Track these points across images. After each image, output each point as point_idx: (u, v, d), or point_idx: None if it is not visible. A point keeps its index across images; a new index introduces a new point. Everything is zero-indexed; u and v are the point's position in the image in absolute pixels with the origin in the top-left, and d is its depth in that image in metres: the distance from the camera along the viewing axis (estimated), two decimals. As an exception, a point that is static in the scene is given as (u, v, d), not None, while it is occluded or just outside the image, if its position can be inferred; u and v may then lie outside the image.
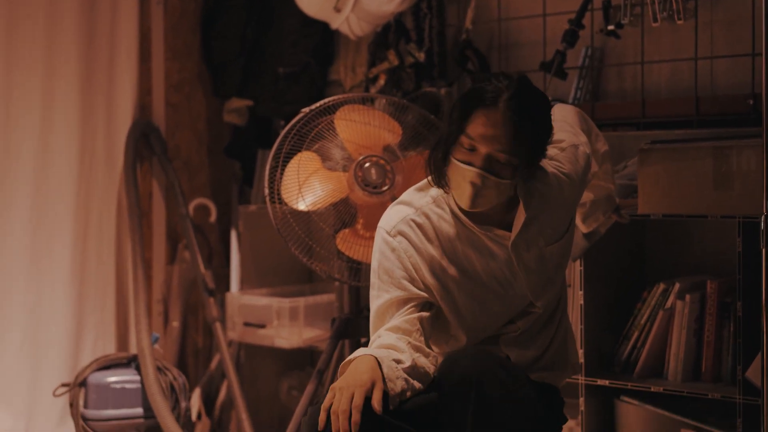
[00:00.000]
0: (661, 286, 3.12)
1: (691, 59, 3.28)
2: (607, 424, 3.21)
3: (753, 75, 3.14)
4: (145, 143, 4.05)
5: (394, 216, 2.44)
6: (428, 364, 2.36)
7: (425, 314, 2.41)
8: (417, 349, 2.35)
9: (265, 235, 4.06)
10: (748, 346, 2.88)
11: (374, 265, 2.45)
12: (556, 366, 2.55)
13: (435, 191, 2.45)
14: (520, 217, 2.41)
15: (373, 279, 2.45)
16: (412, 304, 2.40)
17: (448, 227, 2.43)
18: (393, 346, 2.32)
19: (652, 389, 3.05)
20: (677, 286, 3.08)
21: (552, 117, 2.43)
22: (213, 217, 4.22)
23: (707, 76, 3.26)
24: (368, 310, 2.48)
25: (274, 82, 4.04)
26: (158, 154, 4.05)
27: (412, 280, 2.40)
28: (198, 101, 4.25)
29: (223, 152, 4.29)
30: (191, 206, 4.13)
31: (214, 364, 4.09)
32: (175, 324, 4.07)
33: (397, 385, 2.28)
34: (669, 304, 3.09)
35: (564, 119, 2.67)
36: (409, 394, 2.30)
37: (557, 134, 2.51)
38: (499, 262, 2.43)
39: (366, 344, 3.52)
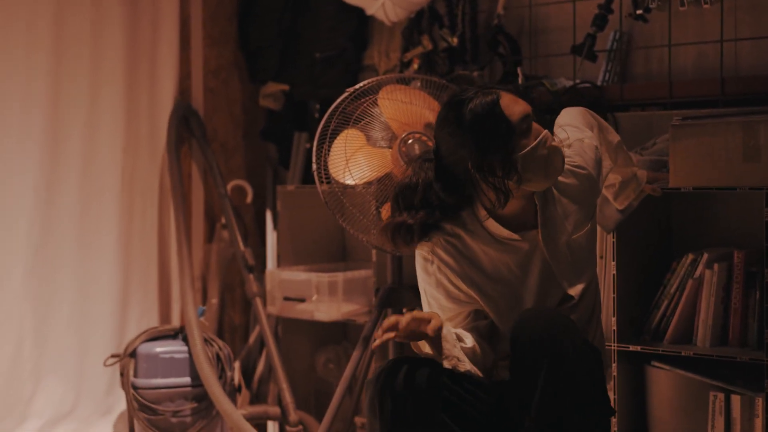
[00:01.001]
0: (690, 257, 3.28)
1: (716, 42, 3.43)
2: (638, 390, 3.37)
3: (777, 56, 3.30)
4: (185, 126, 4.20)
5: (426, 242, 2.58)
6: (488, 356, 2.53)
7: (480, 323, 2.57)
8: (480, 343, 2.53)
9: (302, 214, 4.22)
10: (774, 311, 3.05)
11: (420, 285, 2.63)
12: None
13: (459, 217, 2.59)
14: (540, 213, 2.59)
15: (423, 298, 2.64)
16: (462, 317, 2.57)
17: (479, 241, 2.57)
18: (458, 332, 2.50)
19: (683, 354, 3.21)
20: (705, 256, 3.24)
21: (558, 120, 2.66)
22: (249, 198, 4.38)
23: (732, 58, 3.42)
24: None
25: (311, 66, 4.19)
26: (197, 137, 4.20)
27: (455, 298, 2.56)
28: (234, 86, 4.41)
29: (259, 135, 4.45)
30: (228, 187, 4.28)
31: (252, 338, 4.25)
32: (214, 301, 4.22)
33: (453, 353, 2.45)
34: (698, 273, 3.24)
35: (568, 122, 2.84)
36: (464, 368, 2.47)
37: (562, 134, 2.68)
38: (527, 261, 2.58)
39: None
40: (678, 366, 3.26)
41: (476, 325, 2.58)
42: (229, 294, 4.37)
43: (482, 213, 2.58)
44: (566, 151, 2.64)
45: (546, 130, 2.49)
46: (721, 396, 3.16)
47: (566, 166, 2.61)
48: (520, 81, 3.67)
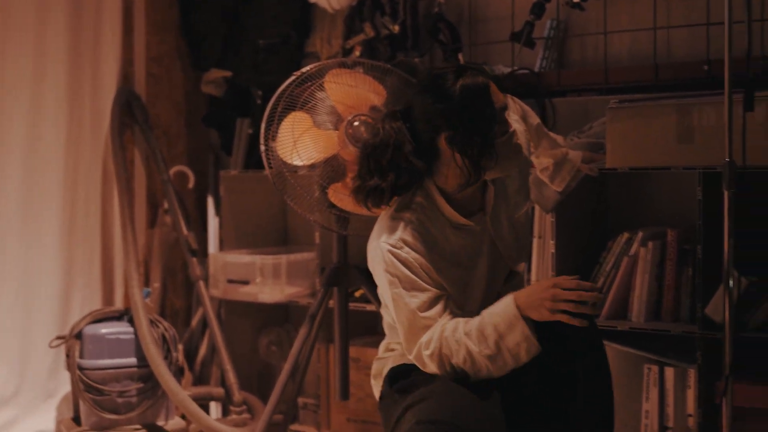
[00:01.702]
0: (626, 235, 3.40)
1: (650, 29, 3.56)
2: (575, 364, 3.48)
3: (708, 43, 3.42)
4: (127, 112, 4.23)
5: (392, 230, 2.59)
6: None
7: (451, 305, 2.61)
8: None
9: (245, 198, 4.28)
10: (706, 286, 3.17)
11: (387, 279, 2.55)
12: None
13: (412, 203, 2.64)
14: (491, 194, 2.68)
15: (395, 293, 2.55)
16: (441, 300, 2.58)
17: (438, 227, 2.63)
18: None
19: (618, 328, 3.33)
20: (640, 234, 3.37)
21: None
22: (191, 184, 4.42)
23: (665, 45, 3.55)
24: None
25: (254, 53, 4.25)
26: (140, 123, 4.23)
27: (429, 281, 2.57)
28: (176, 73, 4.45)
29: (201, 122, 4.49)
30: (170, 173, 4.31)
31: (195, 321, 4.29)
32: (156, 285, 4.25)
33: None
34: (633, 251, 3.37)
35: None
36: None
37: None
38: (478, 244, 2.66)
39: (353, 294, 3.76)
40: (614, 340, 3.38)
41: (450, 309, 2.60)
42: (171, 278, 4.40)
43: (438, 198, 2.65)
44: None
45: (513, 125, 2.60)
46: (655, 368, 3.29)
47: None
48: (461, 67, 3.76)
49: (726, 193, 2.80)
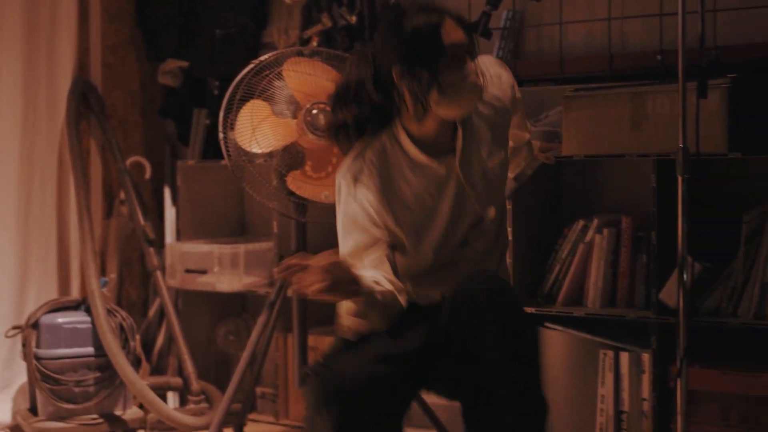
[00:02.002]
0: (581, 223, 3.44)
1: (605, 20, 3.61)
2: (532, 350, 3.52)
3: (661, 33, 3.47)
4: (83, 102, 4.21)
5: (351, 167, 2.66)
6: (402, 298, 2.62)
7: (391, 251, 2.65)
8: (392, 282, 2.61)
9: (202, 189, 4.28)
10: (660, 272, 3.23)
11: (339, 214, 2.68)
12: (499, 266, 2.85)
13: (376, 143, 2.68)
14: (459, 136, 2.70)
15: (340, 227, 2.67)
16: (379, 244, 2.62)
17: (399, 167, 2.66)
18: (373, 277, 2.57)
19: (575, 314, 3.37)
20: (596, 221, 3.41)
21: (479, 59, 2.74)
22: (148, 174, 4.41)
23: (619, 35, 3.60)
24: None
25: (210, 44, 4.25)
26: (96, 113, 4.22)
27: (374, 223, 2.62)
28: (132, 63, 4.44)
29: (158, 112, 4.49)
30: (127, 164, 4.30)
31: (152, 312, 4.29)
32: (113, 276, 4.24)
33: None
34: (588, 238, 3.41)
35: (488, 63, 2.94)
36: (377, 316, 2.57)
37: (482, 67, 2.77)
38: (442, 186, 2.69)
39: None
40: (570, 326, 3.42)
41: (389, 253, 2.65)
42: (127, 270, 4.39)
43: (402, 137, 2.68)
44: (485, 83, 2.73)
45: (473, 66, 2.62)
46: (610, 354, 3.33)
47: (485, 97, 2.72)
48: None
49: (680, 179, 2.85)
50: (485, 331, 2.48)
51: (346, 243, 2.65)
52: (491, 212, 2.73)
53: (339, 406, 2.47)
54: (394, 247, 2.69)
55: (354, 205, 2.64)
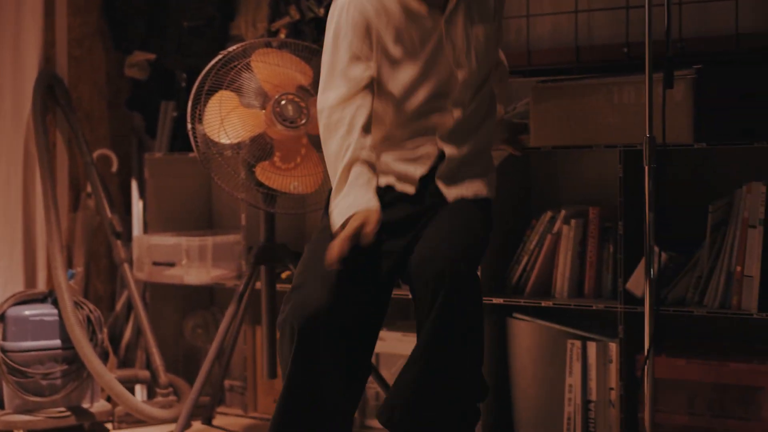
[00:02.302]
0: (549, 214, 3.46)
1: (571, 12, 3.63)
2: (501, 341, 3.54)
3: (627, 26, 3.50)
4: (49, 94, 4.19)
5: None
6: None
7: (373, 76, 2.75)
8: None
9: (169, 181, 4.27)
10: (627, 263, 3.25)
11: (332, 28, 2.77)
12: (487, 171, 2.94)
13: None
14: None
15: (330, 36, 2.77)
16: (364, 84, 2.73)
17: (391, 5, 2.75)
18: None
19: (543, 304, 3.39)
20: (563, 212, 3.43)
21: None
22: (114, 167, 4.39)
23: (586, 28, 3.62)
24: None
25: (178, 36, 4.24)
26: (62, 105, 4.19)
27: (362, 47, 2.73)
28: (98, 55, 4.42)
29: (124, 105, 4.47)
30: (93, 156, 4.28)
31: (119, 306, 4.27)
32: (79, 269, 4.22)
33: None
34: (556, 229, 3.43)
35: None
36: None
37: None
38: (429, 38, 2.77)
39: (279, 275, 3.76)
40: (538, 317, 3.44)
41: (371, 76, 2.74)
42: (94, 264, 4.37)
43: None
44: None
45: None
46: (578, 343, 3.36)
47: None
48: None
49: (646, 169, 2.88)
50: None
51: (340, 54, 2.72)
52: (462, 73, 2.80)
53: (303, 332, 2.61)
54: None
55: (348, 24, 2.73)
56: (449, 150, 2.83)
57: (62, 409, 3.66)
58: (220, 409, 4.02)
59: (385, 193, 2.79)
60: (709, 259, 3.16)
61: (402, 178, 2.82)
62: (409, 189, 2.82)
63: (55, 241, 3.86)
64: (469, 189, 2.87)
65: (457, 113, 2.82)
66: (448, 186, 2.84)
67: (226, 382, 4.06)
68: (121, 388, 3.64)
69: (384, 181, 2.81)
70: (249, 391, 3.96)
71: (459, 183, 2.85)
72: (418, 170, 2.82)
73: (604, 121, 3.25)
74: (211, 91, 3.38)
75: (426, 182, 2.83)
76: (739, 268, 3.10)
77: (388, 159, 2.82)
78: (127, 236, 4.26)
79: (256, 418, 3.93)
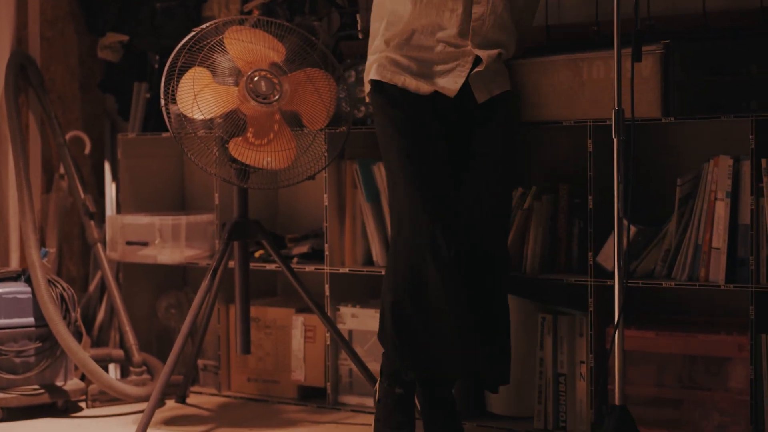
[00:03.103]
0: (520, 190, 3.50)
1: (542, -9, 3.67)
2: (472, 316, 3.58)
3: (597, 5, 3.53)
4: (22, 75, 4.18)
5: None
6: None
7: None
8: None
9: (143, 162, 4.28)
10: (597, 237, 3.29)
11: None
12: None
13: None
14: None
15: None
16: None
17: None
18: None
19: (514, 278, 3.43)
20: (533, 189, 3.47)
21: None
22: (87, 149, 4.39)
23: (556, 7, 3.65)
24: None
25: (151, 17, 4.25)
26: (35, 86, 4.19)
27: None
28: (71, 37, 4.42)
29: (97, 87, 4.47)
30: (66, 138, 4.28)
31: (92, 287, 4.27)
32: (52, 251, 4.22)
33: None
34: (527, 205, 3.47)
35: None
36: None
37: None
38: None
39: (252, 254, 3.78)
40: (509, 291, 3.47)
41: None
42: (67, 245, 4.37)
43: None
44: None
45: None
46: (549, 317, 3.40)
47: None
48: (359, 28, 3.83)
49: (615, 141, 2.92)
50: None
51: None
52: None
53: None
54: None
55: None
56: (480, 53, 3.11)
57: (36, 386, 3.67)
58: (193, 389, 4.03)
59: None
60: (677, 232, 3.21)
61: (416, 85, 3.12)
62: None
63: (28, 220, 3.87)
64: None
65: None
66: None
67: (200, 362, 4.07)
68: (94, 366, 3.64)
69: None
70: (223, 369, 3.98)
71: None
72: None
73: (573, 97, 3.29)
74: (184, 69, 3.39)
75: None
76: (706, 241, 3.14)
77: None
78: (100, 218, 4.27)
79: (229, 396, 3.95)
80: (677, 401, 3.20)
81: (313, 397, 3.83)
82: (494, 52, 3.15)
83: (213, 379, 4.05)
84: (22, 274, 3.78)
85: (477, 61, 3.14)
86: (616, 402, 2.95)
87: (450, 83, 3.14)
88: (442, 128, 3.14)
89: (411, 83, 3.14)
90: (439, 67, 3.15)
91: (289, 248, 3.88)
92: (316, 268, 3.74)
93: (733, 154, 3.12)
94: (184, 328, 3.48)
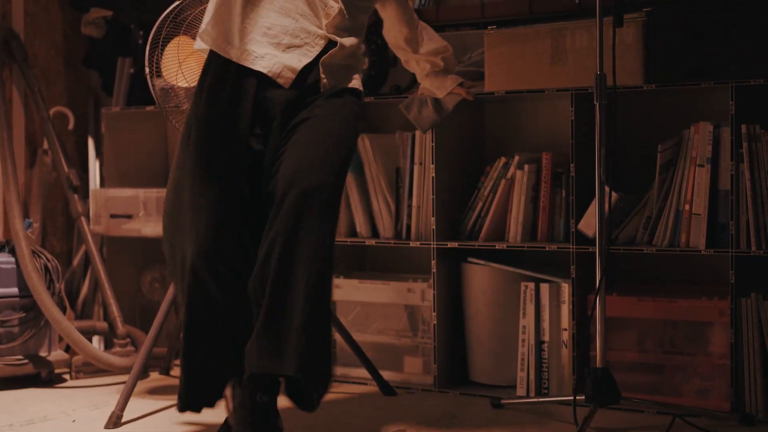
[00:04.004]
0: (503, 160, 3.52)
1: (525, -37, 3.70)
2: (456, 287, 3.60)
3: (579, -24, 3.57)
4: (5, 50, 4.18)
5: None
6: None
7: None
8: None
9: (127, 136, 4.28)
10: (579, 205, 3.32)
11: None
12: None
13: None
14: None
15: None
16: None
17: None
18: None
19: (497, 247, 3.45)
20: (516, 158, 3.49)
21: None
22: (71, 125, 4.39)
23: (536, -21, 3.69)
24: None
25: (135, -9, 4.26)
26: (18, 61, 4.19)
27: None
28: (54, 13, 4.42)
29: (81, 63, 4.47)
30: (50, 113, 4.28)
31: (76, 261, 4.28)
32: (36, 225, 4.22)
33: None
34: (510, 174, 3.49)
35: None
36: None
37: None
38: None
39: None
40: (492, 260, 3.50)
41: None
42: (50, 221, 4.37)
43: None
44: None
45: None
46: (531, 285, 3.42)
47: None
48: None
49: (597, 106, 2.94)
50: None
51: None
52: None
53: None
54: None
55: None
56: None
57: (20, 357, 3.67)
58: (177, 361, 4.03)
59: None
60: (659, 199, 3.24)
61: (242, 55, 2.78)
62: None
63: (12, 191, 3.87)
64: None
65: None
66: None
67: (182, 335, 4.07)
68: (79, 336, 3.65)
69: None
70: (206, 342, 3.98)
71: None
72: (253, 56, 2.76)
73: (556, 65, 3.31)
74: (168, 40, 3.40)
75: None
76: (687, 207, 3.17)
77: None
78: (84, 192, 4.27)
79: (213, 368, 3.95)
80: (659, 366, 3.23)
81: (297, 368, 3.84)
82: None
83: (197, 352, 4.05)
84: (6, 245, 3.78)
85: None
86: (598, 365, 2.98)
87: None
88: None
89: None
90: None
91: (273, 221, 3.89)
92: (300, 240, 3.75)
93: (714, 120, 3.15)
94: (168, 295, 3.49)
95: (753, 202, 3.07)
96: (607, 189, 2.98)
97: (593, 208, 3.21)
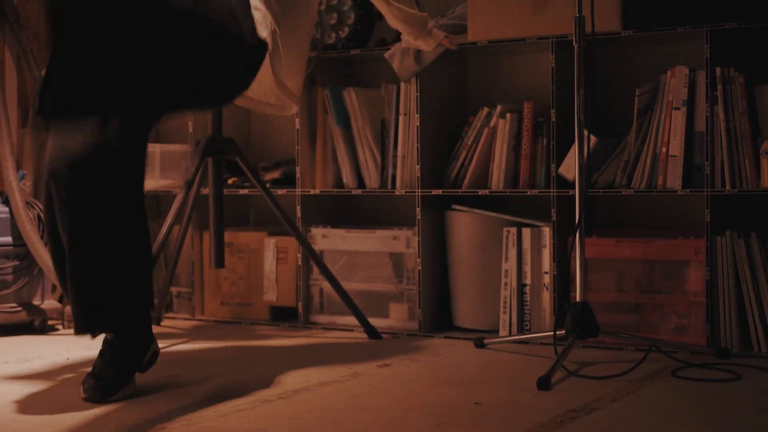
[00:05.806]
0: (486, 110, 3.61)
1: None
2: (440, 234, 3.69)
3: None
4: (-2, 10, 4.26)
5: None
6: None
7: None
8: None
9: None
10: (559, 151, 3.41)
11: None
12: None
13: None
14: None
15: None
16: None
17: None
18: None
19: (480, 193, 3.54)
20: (499, 107, 3.58)
21: None
22: (63, 86, 4.46)
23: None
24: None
25: (125, -47, 4.32)
26: (11, 22, 4.26)
27: None
28: (47, -24, 4.49)
29: (72, 24, 4.54)
30: (42, 74, 4.35)
31: (68, 217, 4.34)
32: (29, 183, 4.29)
33: None
34: (492, 123, 3.59)
35: None
36: None
37: None
38: None
39: (226, 181, 3.85)
40: (475, 206, 3.59)
41: None
42: (42, 181, 4.43)
43: None
44: None
45: None
46: (513, 230, 3.51)
47: None
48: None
49: (576, 47, 3.03)
50: None
51: None
52: None
53: None
54: None
55: None
56: None
57: (13, 304, 3.74)
58: (167, 315, 4.12)
59: None
60: (636, 143, 3.33)
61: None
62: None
63: (6, 143, 3.94)
64: None
65: None
66: None
67: (174, 289, 4.16)
68: (71, 284, 3.72)
69: None
70: (196, 294, 4.06)
71: None
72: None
73: (538, 13, 3.40)
74: None
75: None
76: (664, 149, 3.27)
77: None
78: (75, 152, 4.33)
79: (203, 320, 4.03)
80: (637, 305, 3.32)
81: (285, 317, 3.93)
82: None
83: (187, 305, 4.14)
84: (0, 196, 3.86)
85: None
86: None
87: None
88: None
89: None
90: None
91: (261, 175, 3.97)
92: (288, 191, 3.84)
93: (690, 65, 3.25)
94: (158, 240, 3.56)
95: (727, 143, 3.17)
96: (585, 132, 3.07)
97: (573, 152, 3.30)
